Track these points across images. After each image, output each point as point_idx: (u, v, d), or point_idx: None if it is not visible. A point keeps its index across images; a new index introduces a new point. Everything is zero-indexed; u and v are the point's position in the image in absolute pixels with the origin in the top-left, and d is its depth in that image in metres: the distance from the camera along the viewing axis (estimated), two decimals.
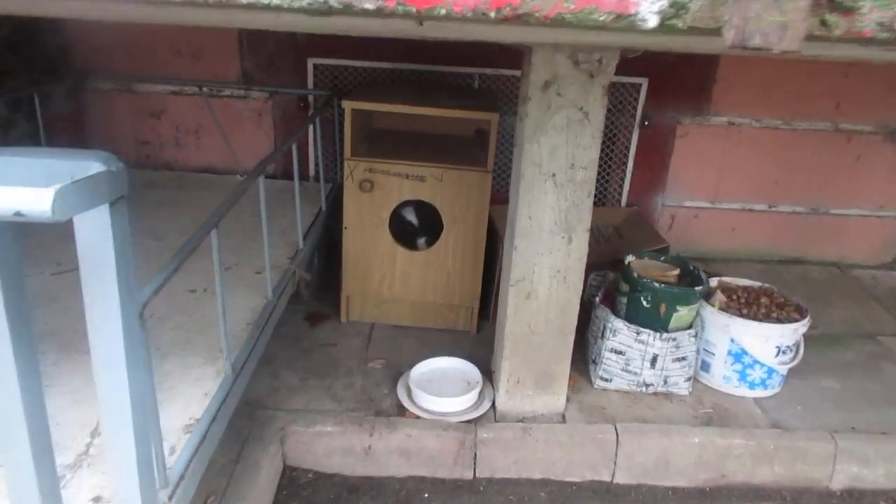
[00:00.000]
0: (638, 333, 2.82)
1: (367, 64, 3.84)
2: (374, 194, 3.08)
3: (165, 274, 1.47)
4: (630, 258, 3.05)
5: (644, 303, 2.83)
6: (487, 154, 3.03)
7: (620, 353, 2.88)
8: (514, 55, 2.56)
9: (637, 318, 2.86)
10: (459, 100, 3.15)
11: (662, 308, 2.81)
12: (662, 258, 3.12)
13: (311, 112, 3.91)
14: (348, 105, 2.96)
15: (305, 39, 3.81)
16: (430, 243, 3.26)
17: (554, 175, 2.41)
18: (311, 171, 4.09)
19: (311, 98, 3.96)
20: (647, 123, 4.00)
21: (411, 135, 3.56)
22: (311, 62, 3.85)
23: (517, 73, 3.82)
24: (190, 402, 1.95)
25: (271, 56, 3.87)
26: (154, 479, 1.46)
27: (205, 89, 3.85)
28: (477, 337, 3.33)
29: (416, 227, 3.35)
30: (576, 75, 2.28)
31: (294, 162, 2.83)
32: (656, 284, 2.81)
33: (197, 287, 2.61)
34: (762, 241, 4.29)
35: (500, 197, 4.00)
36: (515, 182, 2.53)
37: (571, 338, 2.67)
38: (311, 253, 3.20)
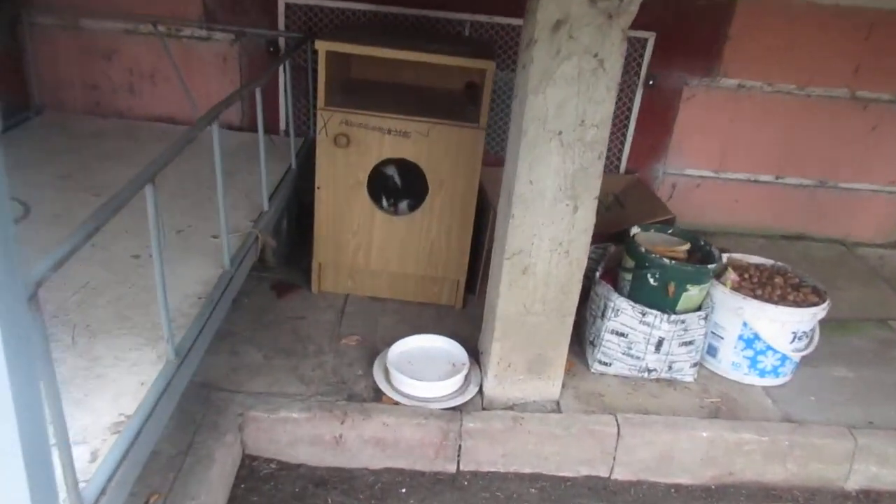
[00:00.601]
0: (643, 314, 2.54)
1: (346, 5, 3.43)
2: (350, 151, 2.72)
3: (70, 245, 1.12)
4: (635, 230, 2.75)
5: (651, 281, 2.54)
6: (480, 108, 2.68)
7: (622, 335, 2.60)
8: None
9: (642, 297, 2.57)
10: (450, 47, 2.77)
11: (671, 287, 2.52)
12: (670, 231, 2.83)
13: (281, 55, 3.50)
14: (322, 46, 2.58)
15: None
16: (412, 207, 2.92)
17: (560, 133, 2.08)
18: (282, 125, 3.70)
19: (282, 42, 3.55)
20: (651, 83, 3.66)
21: (395, 86, 3.18)
22: (282, 1, 3.43)
23: (514, 21, 3.46)
24: (122, 393, 1.62)
25: None
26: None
27: (161, 28, 3.42)
28: (462, 313, 3.03)
29: (398, 189, 3.01)
30: (592, 15, 1.93)
31: (258, 110, 2.45)
32: (666, 261, 2.51)
33: (142, 252, 2.25)
34: (766, 214, 4.02)
35: (491, 159, 3.67)
36: (514, 141, 2.19)
37: (571, 319, 2.38)
38: (278, 216, 2.84)
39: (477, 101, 2.80)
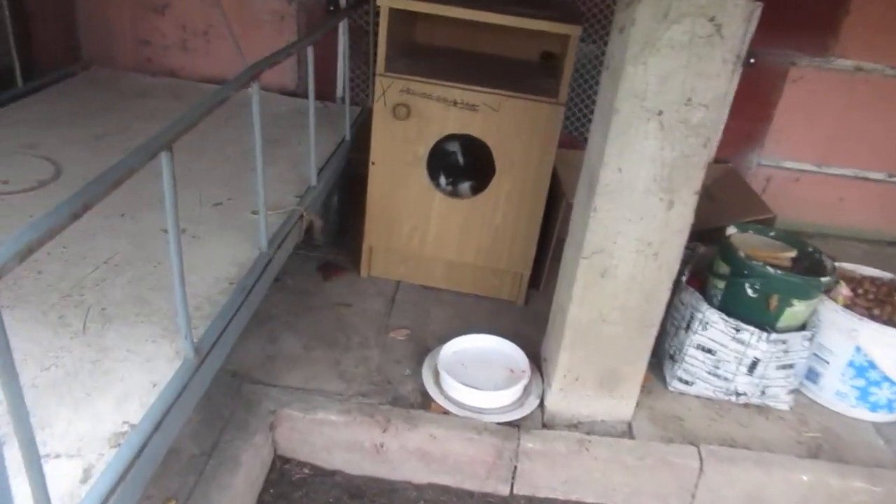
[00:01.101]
0: (737, 330, 2.18)
1: None
2: (410, 123, 2.43)
3: (35, 234, 0.86)
4: (732, 230, 2.38)
5: (749, 291, 2.18)
6: (560, 81, 2.34)
7: (709, 351, 2.25)
8: None
9: (737, 309, 2.21)
10: (529, 9, 2.43)
11: (773, 300, 2.15)
12: (772, 233, 2.44)
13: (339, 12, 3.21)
14: (385, 2, 2.27)
15: None
16: (476, 190, 2.62)
17: (661, 113, 1.73)
18: (339, 92, 3.42)
19: (343, 1, 3.26)
20: (752, 61, 3.19)
21: (463, 54, 2.86)
22: None
23: None
24: (129, 395, 1.38)
25: None
26: None
27: None
28: (525, 311, 2.72)
29: (460, 167, 2.71)
30: None
31: (309, 71, 2.17)
32: (769, 269, 2.14)
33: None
34: (874, 217, 3.55)
35: (567, 140, 3.32)
36: (602, 121, 1.86)
37: (654, 332, 2.04)
38: (328, 191, 2.58)
39: (555, 73, 2.46)
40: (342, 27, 2.72)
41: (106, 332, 1.55)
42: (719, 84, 1.69)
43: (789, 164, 3.47)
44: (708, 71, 1.68)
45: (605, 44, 3.22)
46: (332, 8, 3.29)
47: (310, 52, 2.10)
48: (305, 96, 3.49)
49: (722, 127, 1.79)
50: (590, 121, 3.42)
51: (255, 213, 2.12)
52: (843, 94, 3.28)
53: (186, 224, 1.98)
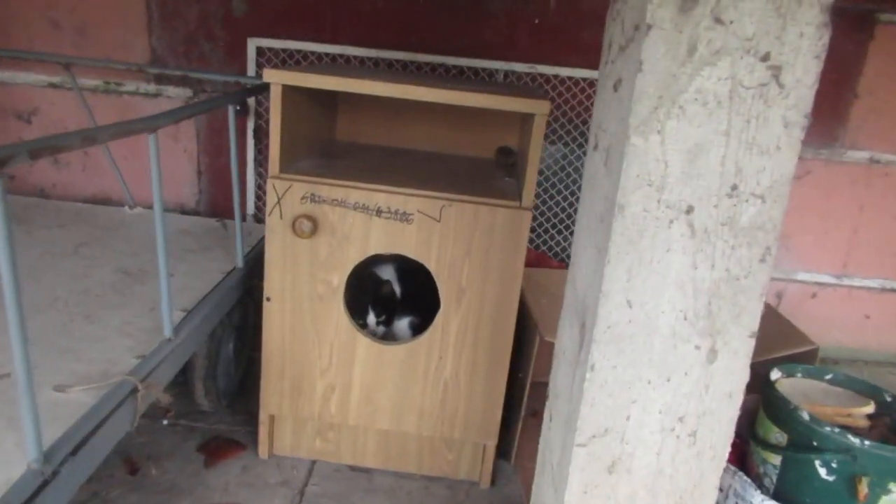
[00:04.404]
0: None
1: (336, 49, 2.56)
2: (318, 242, 1.74)
3: None
4: (776, 375, 1.69)
5: (822, 472, 1.46)
6: (522, 179, 1.70)
7: None
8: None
9: (803, 499, 1.48)
10: (478, 87, 1.83)
11: (863, 486, 1.43)
12: (828, 376, 1.75)
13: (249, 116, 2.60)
14: (275, 77, 1.64)
15: (245, 11, 2.55)
16: (416, 330, 1.91)
17: (690, 210, 1.07)
18: (251, 208, 2.76)
19: (251, 102, 2.66)
20: None
21: (396, 152, 2.24)
22: (252, 43, 2.57)
23: (574, 72, 2.55)
24: None
25: (192, 33, 2.59)
26: None
27: (92, 82, 2.57)
28: (494, 496, 1.93)
29: (398, 301, 2.00)
30: None
31: (155, 186, 1.46)
32: (852, 439, 1.43)
33: None
34: None
35: (533, 256, 2.67)
36: (592, 229, 1.19)
37: None
38: (197, 343, 1.81)
39: (515, 171, 1.84)
40: (231, 116, 2.01)
41: None
42: (781, 161, 1.05)
43: (804, 277, 2.86)
44: (763, 141, 1.04)
45: (573, 143, 2.66)
46: (239, 108, 2.69)
47: (151, 140, 1.42)
48: (207, 215, 2.86)
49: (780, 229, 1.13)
50: (559, 232, 2.81)
51: (59, 389, 1.35)
52: (859, 190, 2.74)
53: None
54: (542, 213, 2.75)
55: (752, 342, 1.15)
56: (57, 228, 2.30)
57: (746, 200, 1.07)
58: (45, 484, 1.11)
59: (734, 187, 1.06)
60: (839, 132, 2.68)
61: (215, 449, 1.98)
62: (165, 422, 2.08)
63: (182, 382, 1.98)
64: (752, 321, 1.13)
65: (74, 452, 1.22)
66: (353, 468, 1.98)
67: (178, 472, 1.88)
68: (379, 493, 1.90)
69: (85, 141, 1.24)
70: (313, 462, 1.98)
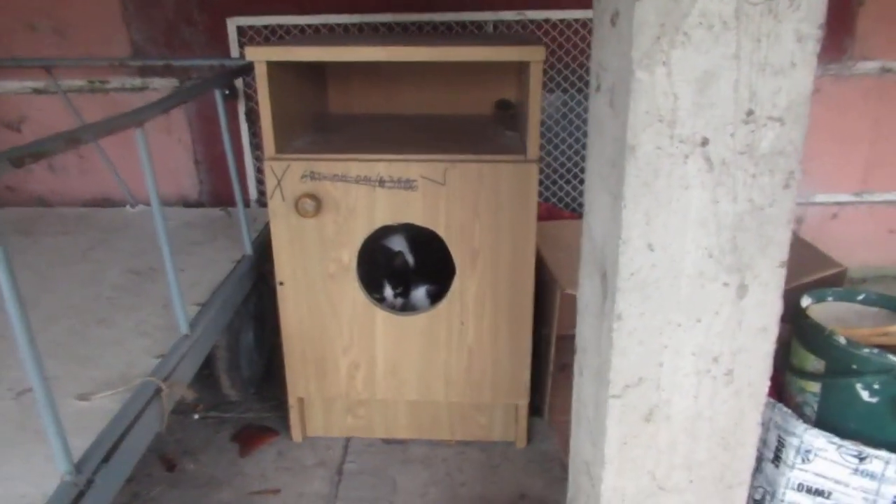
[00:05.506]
0: (861, 458, 1.40)
1: (318, 19, 2.48)
2: (323, 220, 1.70)
3: None
4: (807, 301, 1.64)
5: (865, 395, 1.42)
6: (525, 130, 1.64)
7: (820, 493, 1.46)
8: None
9: (847, 423, 1.45)
10: (469, 41, 1.76)
11: None
12: (860, 297, 1.70)
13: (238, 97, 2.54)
14: (258, 54, 1.58)
15: None
16: (434, 297, 1.88)
17: (706, 143, 1.01)
18: (254, 193, 2.72)
19: (239, 85, 2.60)
20: None
21: (391, 119, 2.17)
22: (232, 23, 2.49)
23: (566, 14, 2.46)
24: None
25: (171, 20, 2.52)
26: None
27: (78, 82, 2.52)
28: (531, 454, 1.92)
29: (413, 271, 1.97)
30: None
31: (149, 181, 1.43)
32: (893, 358, 1.39)
33: None
34: None
35: (544, 210, 2.62)
36: (609, 173, 1.14)
37: (744, 492, 1.26)
38: (216, 336, 1.79)
39: (517, 124, 1.78)
40: (219, 100, 1.93)
41: None
42: (797, 79, 0.99)
43: (822, 199, 2.79)
44: (776, 60, 0.98)
45: (573, 89, 2.58)
46: (227, 92, 2.63)
47: (139, 134, 1.37)
48: (211, 205, 2.82)
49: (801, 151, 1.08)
50: (568, 182, 2.74)
51: (82, 398, 1.34)
52: (872, 103, 2.65)
53: None
54: (548, 165, 2.68)
55: (783, 272, 1.10)
56: (61, 235, 2.28)
57: (764, 125, 1.01)
58: (80, 494, 1.10)
59: (750, 113, 1.00)
60: (847, 43, 2.58)
61: (248, 437, 1.98)
62: (196, 416, 2.08)
63: (208, 375, 1.97)
64: (781, 251, 1.08)
65: (107, 459, 1.21)
66: (386, 441, 1.97)
67: (215, 464, 1.89)
68: (415, 463, 1.89)
69: (70, 143, 1.19)
70: (347, 439, 1.98)
